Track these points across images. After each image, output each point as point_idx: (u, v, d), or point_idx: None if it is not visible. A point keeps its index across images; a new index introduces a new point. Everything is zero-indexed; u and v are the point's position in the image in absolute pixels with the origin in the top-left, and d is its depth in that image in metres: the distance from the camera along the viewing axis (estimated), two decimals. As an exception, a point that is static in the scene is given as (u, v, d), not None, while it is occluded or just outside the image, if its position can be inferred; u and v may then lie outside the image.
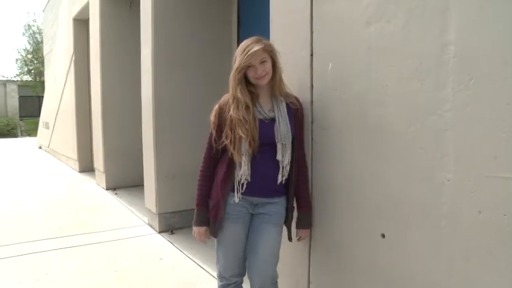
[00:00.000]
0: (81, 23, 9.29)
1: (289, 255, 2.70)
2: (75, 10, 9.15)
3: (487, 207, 1.63)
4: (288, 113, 2.30)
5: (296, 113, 2.37)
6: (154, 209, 5.07)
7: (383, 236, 2.07)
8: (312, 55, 2.49)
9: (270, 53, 2.24)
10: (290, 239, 2.46)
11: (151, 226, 5.20)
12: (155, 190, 5.03)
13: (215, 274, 2.90)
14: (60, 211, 6.09)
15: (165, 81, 4.96)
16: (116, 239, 4.79)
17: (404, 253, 1.98)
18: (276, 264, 2.38)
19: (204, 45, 5.07)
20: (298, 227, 2.47)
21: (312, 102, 2.51)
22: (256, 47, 2.17)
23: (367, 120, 2.15)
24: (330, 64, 2.36)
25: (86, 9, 8.28)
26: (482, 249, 1.66)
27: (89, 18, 8.14)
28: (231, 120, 2.18)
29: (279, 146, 2.23)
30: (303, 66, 2.56)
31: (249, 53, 2.15)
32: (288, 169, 2.29)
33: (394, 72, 1.99)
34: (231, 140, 2.18)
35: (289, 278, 2.75)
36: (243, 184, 2.23)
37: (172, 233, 4.91)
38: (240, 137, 2.15)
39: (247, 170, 2.21)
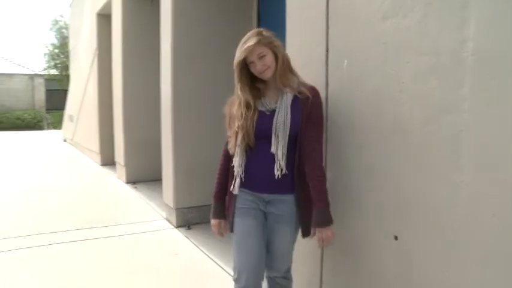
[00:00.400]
0: (104, 18, 9.35)
1: (301, 254, 2.66)
2: (99, 5, 9.23)
3: (502, 210, 1.57)
4: (293, 104, 2.16)
5: (305, 103, 2.16)
6: (172, 204, 5.08)
7: (396, 238, 2.01)
8: (327, 51, 2.44)
9: (269, 45, 2.14)
10: (303, 236, 2.29)
11: (168, 221, 5.22)
12: (173, 185, 5.04)
13: (231, 271, 2.89)
14: (81, 203, 6.15)
15: (184, 76, 4.95)
16: (133, 232, 4.82)
17: (418, 256, 1.93)
18: (289, 261, 2.36)
19: (223, 40, 5.03)
20: (312, 225, 2.20)
21: (327, 99, 2.45)
22: (250, 42, 2.11)
23: (383, 119, 2.09)
24: (346, 61, 2.30)
25: (109, 4, 8.34)
26: (498, 254, 1.59)
27: (111, 13, 8.19)
28: (231, 115, 2.22)
29: (273, 138, 2.13)
30: (318, 62, 2.51)
31: (243, 49, 2.12)
32: (284, 162, 2.13)
33: (411, 69, 1.93)
34: (232, 133, 2.20)
35: (300, 276, 2.71)
36: (240, 177, 2.19)
37: (189, 228, 4.91)
38: (237, 131, 2.15)
39: (238, 161, 2.19)
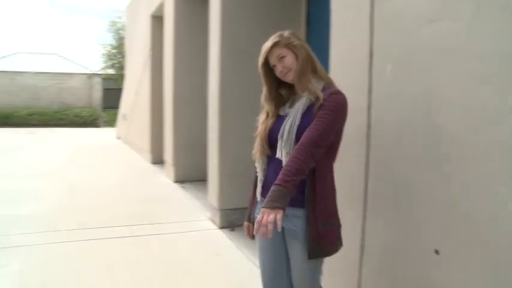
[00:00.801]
0: (158, 19, 9.56)
1: (338, 261, 2.60)
2: (153, 7, 9.45)
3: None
4: (308, 109, 1.96)
5: (317, 108, 1.93)
6: (216, 204, 5.12)
7: (437, 252, 1.92)
8: (371, 56, 2.37)
9: (288, 46, 2.02)
10: (309, 256, 1.97)
11: (212, 221, 5.26)
12: (218, 185, 5.08)
13: None
14: (128, 201, 6.30)
15: (231, 79, 4.97)
16: (177, 231, 4.89)
17: (460, 273, 1.83)
18: (309, 279, 2.09)
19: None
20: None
21: (369, 106, 2.38)
22: (268, 44, 2.04)
23: (427, 127, 2.00)
24: (389, 65, 2.23)
25: (162, 6, 8.52)
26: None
27: (164, 15, 8.36)
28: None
29: (278, 144, 1.99)
30: (361, 67, 2.44)
31: (261, 52, 2.06)
32: None
33: (458, 75, 1.84)
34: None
35: (338, 283, 2.65)
36: (262, 183, 2.10)
37: (232, 229, 4.93)
38: (256, 136, 2.13)
39: (258, 167, 2.14)
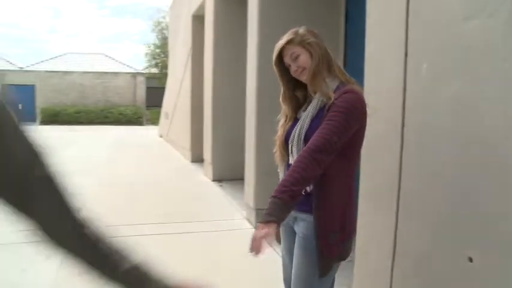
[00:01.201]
0: (198, 19, 9.66)
1: (370, 264, 2.54)
2: (194, 7, 9.56)
3: None
4: (320, 111, 1.87)
5: (325, 109, 1.84)
6: (252, 204, 5.12)
7: (470, 259, 1.84)
8: (406, 55, 2.30)
9: (302, 44, 1.91)
10: (321, 275, 1.89)
11: (248, 221, 5.26)
12: (254, 185, 5.07)
13: None
14: (167, 198, 6.40)
15: (269, 77, 4.94)
16: (213, 230, 4.93)
17: (495, 285, 1.74)
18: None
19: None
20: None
21: (404, 105, 2.31)
22: (281, 41, 1.95)
23: (463, 128, 1.92)
24: (425, 64, 2.15)
25: (202, 6, 8.60)
26: None
27: (205, 15, 8.44)
28: None
29: (289, 148, 1.94)
30: (396, 66, 2.37)
31: (274, 50, 1.99)
32: None
33: (496, 74, 1.75)
34: None
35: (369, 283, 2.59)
36: None
37: (267, 229, 4.90)
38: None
39: (280, 173, 2.10)
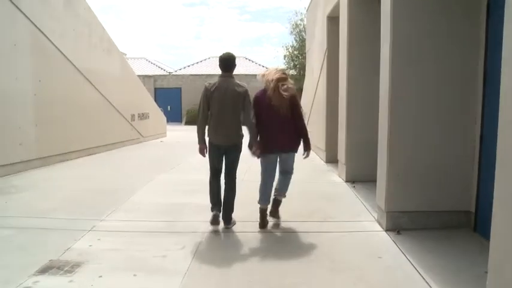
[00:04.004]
0: (333, 20, 9.67)
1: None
2: (329, 8, 9.60)
3: None
4: None
5: None
6: (383, 206, 5.02)
7: None
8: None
9: None
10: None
11: (379, 223, 5.17)
12: (386, 187, 4.97)
13: (433, 283, 3.30)
14: (301, 197, 6.53)
15: (402, 78, 4.82)
16: (343, 230, 4.95)
17: None
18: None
19: (444, 40, 4.75)
20: None
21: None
22: None
23: None
24: None
25: (337, 7, 8.60)
26: None
27: (339, 16, 8.44)
28: None
29: None
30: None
31: None
32: None
33: None
34: None
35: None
36: None
37: (398, 233, 4.78)
38: None
39: None
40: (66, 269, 3.77)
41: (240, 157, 5.08)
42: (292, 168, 5.23)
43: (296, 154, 5.18)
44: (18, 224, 5.10)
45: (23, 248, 4.29)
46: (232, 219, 5.07)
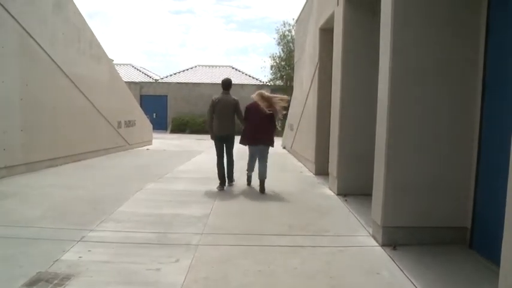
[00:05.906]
0: (326, 32, 9.69)
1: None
2: (322, 20, 9.60)
3: None
4: None
5: None
6: (379, 221, 4.95)
7: None
8: None
9: None
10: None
11: (374, 238, 5.10)
12: (382, 201, 4.90)
13: None
14: (291, 210, 6.46)
15: (402, 90, 4.77)
16: (337, 245, 4.86)
17: None
18: None
19: (446, 52, 4.73)
20: None
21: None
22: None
23: None
24: None
25: (331, 19, 8.60)
26: None
27: (333, 28, 8.42)
28: None
29: None
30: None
31: None
32: None
33: None
34: None
35: None
36: None
37: (394, 248, 4.71)
38: None
39: None
40: (55, 282, 3.61)
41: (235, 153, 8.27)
42: (267, 157, 8.04)
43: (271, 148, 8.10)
44: (1, 233, 4.90)
45: (8, 260, 4.11)
46: (233, 180, 8.51)
